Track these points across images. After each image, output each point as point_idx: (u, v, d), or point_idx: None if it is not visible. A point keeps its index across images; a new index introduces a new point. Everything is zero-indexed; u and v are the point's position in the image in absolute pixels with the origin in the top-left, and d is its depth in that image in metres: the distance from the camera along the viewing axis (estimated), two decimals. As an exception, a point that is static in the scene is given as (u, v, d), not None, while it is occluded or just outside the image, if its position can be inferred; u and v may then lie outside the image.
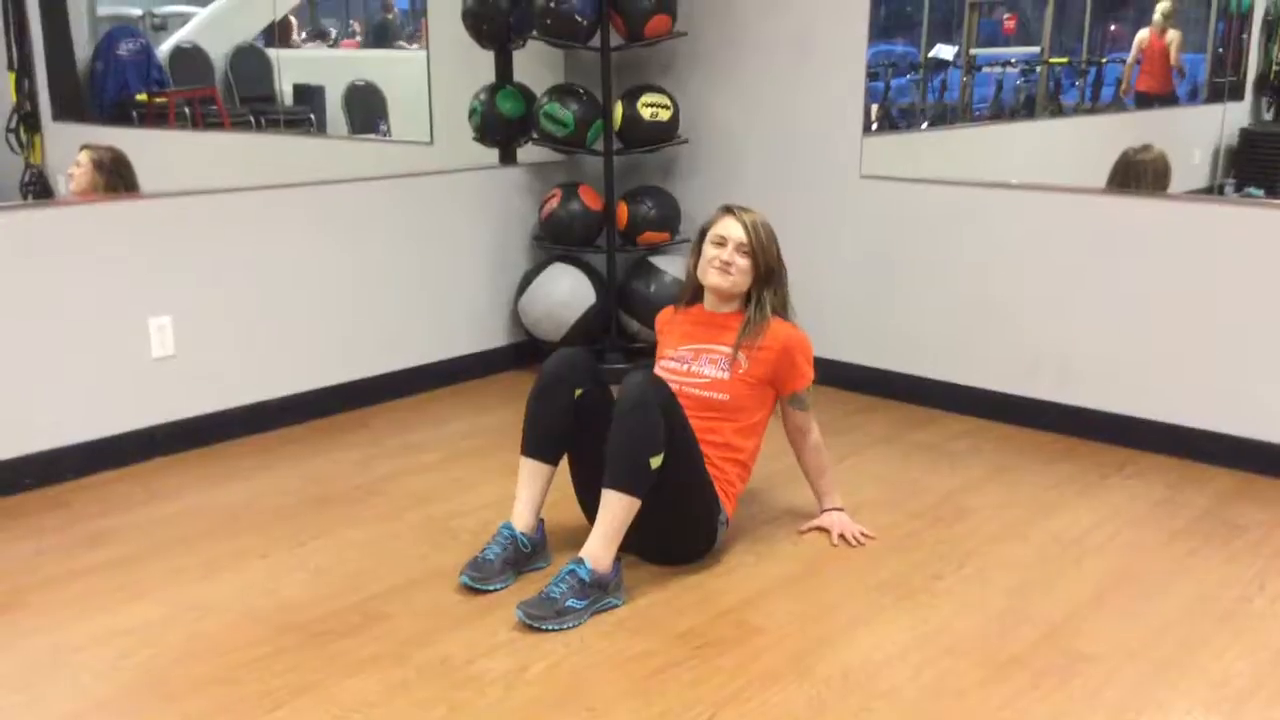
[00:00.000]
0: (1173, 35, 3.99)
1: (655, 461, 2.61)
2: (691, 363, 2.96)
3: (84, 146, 4.06)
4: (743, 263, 2.92)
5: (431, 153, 4.73)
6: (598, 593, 2.62)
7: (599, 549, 2.63)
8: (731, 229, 2.93)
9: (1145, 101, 4.23)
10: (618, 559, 2.68)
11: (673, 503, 2.74)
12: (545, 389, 2.83)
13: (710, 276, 2.94)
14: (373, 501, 3.34)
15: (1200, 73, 4.19)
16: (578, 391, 2.81)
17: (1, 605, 2.72)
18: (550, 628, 2.55)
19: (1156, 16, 4.06)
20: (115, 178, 3.99)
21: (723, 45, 4.50)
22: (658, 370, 2.99)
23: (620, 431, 2.62)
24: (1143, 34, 4.12)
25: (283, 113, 5.06)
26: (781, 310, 2.97)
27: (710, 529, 2.88)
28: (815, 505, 3.16)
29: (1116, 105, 4.35)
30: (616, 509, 2.62)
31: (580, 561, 2.62)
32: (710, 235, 2.96)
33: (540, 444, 2.83)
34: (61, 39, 4.41)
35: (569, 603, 2.58)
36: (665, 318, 3.17)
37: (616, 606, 2.67)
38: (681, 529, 2.86)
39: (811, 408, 3.02)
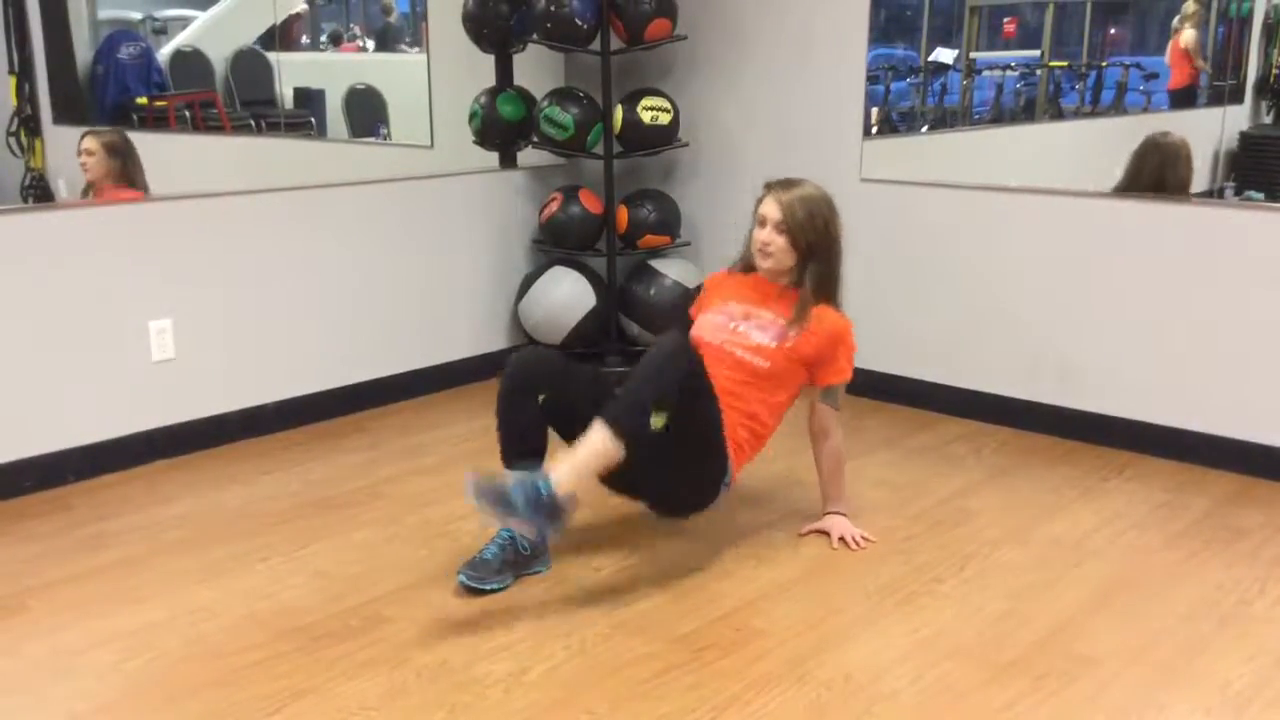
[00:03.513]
0: (1188, 36, 4.01)
1: (658, 420, 2.55)
2: (741, 322, 2.94)
3: (88, 133, 4.04)
4: (780, 241, 2.90)
5: (432, 156, 4.73)
6: (542, 516, 2.45)
7: (563, 475, 2.48)
8: (769, 208, 2.91)
9: (1174, 101, 4.23)
10: (575, 498, 2.51)
11: (685, 456, 2.69)
12: (509, 403, 2.80)
13: (756, 258, 2.95)
14: (373, 505, 3.34)
15: (1200, 75, 4.19)
16: (541, 396, 2.79)
17: (2, 608, 2.72)
18: (499, 512, 2.43)
19: (1177, 18, 4.09)
20: (128, 160, 3.99)
21: (723, 49, 4.51)
22: (701, 322, 2.94)
23: (637, 375, 2.56)
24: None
25: (283, 116, 5.06)
26: (830, 289, 2.93)
27: (713, 488, 2.85)
28: (817, 509, 3.16)
29: (1116, 109, 4.35)
30: (594, 443, 2.49)
31: (544, 475, 2.48)
32: (755, 215, 2.95)
33: (517, 455, 2.80)
34: (62, 43, 4.40)
35: (518, 503, 2.42)
36: (718, 278, 3.15)
37: (550, 538, 2.64)
38: (688, 480, 2.79)
39: (840, 407, 3.02)
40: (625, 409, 2.54)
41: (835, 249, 2.95)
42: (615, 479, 2.69)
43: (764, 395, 2.90)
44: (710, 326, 2.97)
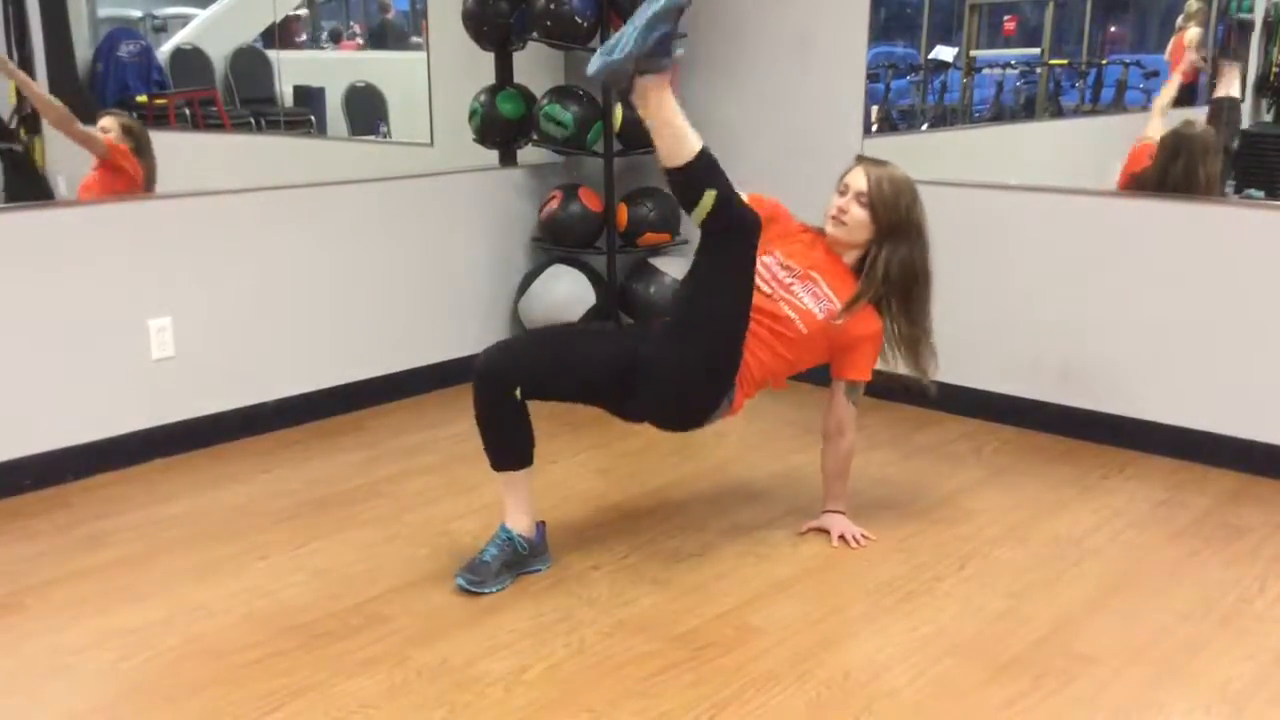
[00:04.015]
0: (1191, 34, 4.00)
1: (707, 198, 2.52)
2: (798, 282, 2.89)
3: (108, 113, 4.10)
4: (859, 213, 2.87)
5: (431, 154, 4.73)
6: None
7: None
8: (855, 178, 2.89)
9: (1175, 99, 4.22)
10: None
11: (694, 352, 2.67)
12: (485, 407, 2.74)
13: (827, 224, 2.92)
14: (373, 503, 3.34)
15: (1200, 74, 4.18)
16: (516, 391, 2.69)
17: (1, 606, 2.72)
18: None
19: (1181, 16, 4.09)
20: (144, 142, 4.03)
21: (723, 46, 4.50)
22: (759, 259, 2.79)
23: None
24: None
25: (283, 114, 5.05)
26: (905, 278, 2.86)
27: (714, 396, 2.76)
28: (816, 507, 3.16)
29: (1116, 107, 4.35)
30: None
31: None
32: (837, 184, 2.93)
33: (505, 456, 2.79)
34: (62, 41, 4.40)
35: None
36: (782, 213, 3.04)
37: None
38: (692, 373, 2.72)
39: (859, 405, 3.01)
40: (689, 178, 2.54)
41: (918, 236, 2.89)
42: (619, 403, 2.73)
43: (788, 353, 2.86)
44: (766, 273, 2.88)
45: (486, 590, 2.73)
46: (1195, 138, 3.75)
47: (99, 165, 3.95)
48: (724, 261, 2.65)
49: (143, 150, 4.02)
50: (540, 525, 2.86)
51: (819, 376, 4.49)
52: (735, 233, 2.62)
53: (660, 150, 2.56)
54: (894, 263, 2.87)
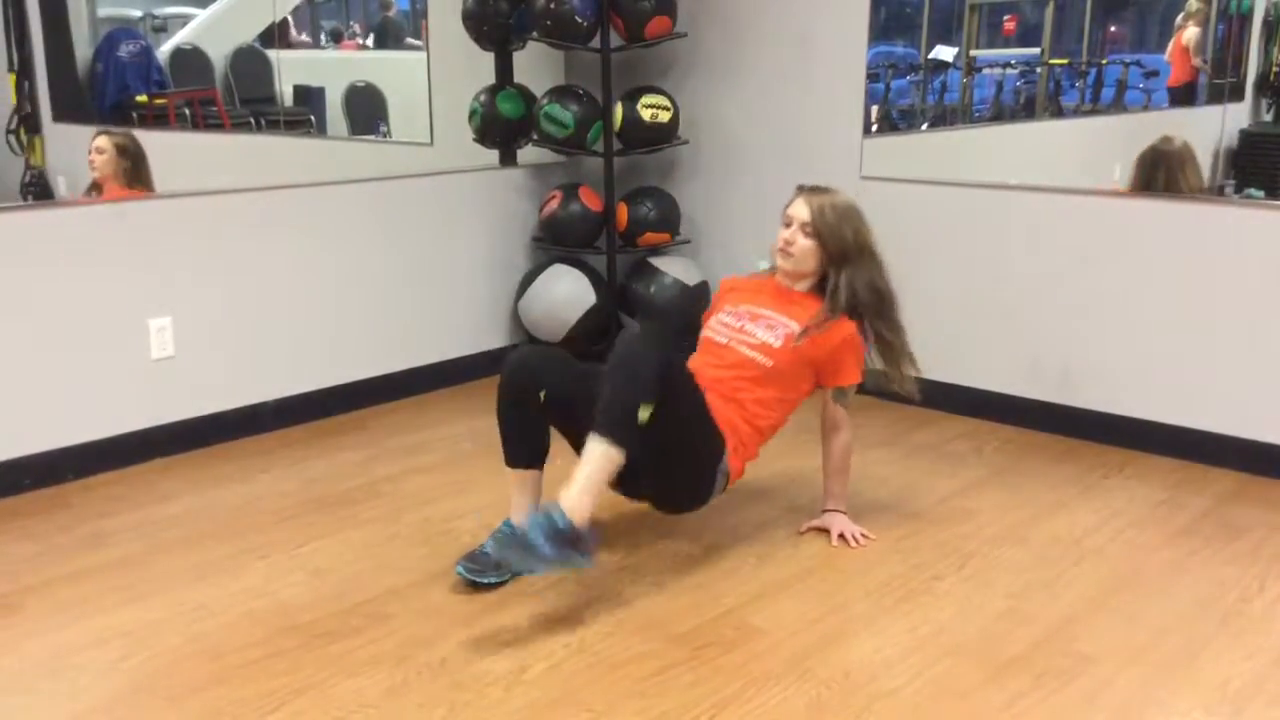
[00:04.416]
0: (1190, 33, 4.00)
1: (643, 413, 2.51)
2: (748, 322, 2.94)
3: (102, 132, 4.06)
4: (804, 243, 2.90)
5: (431, 154, 4.72)
6: (568, 549, 2.45)
7: (575, 499, 2.47)
8: (797, 209, 2.93)
9: (1174, 98, 4.23)
10: (594, 525, 2.56)
11: (671, 448, 2.68)
12: (509, 404, 2.79)
13: (776, 258, 2.96)
14: (372, 503, 3.34)
15: (1200, 73, 4.19)
16: (542, 394, 2.75)
17: (1, 606, 2.72)
18: (515, 571, 2.55)
19: (1180, 15, 4.10)
20: (138, 163, 4.00)
21: (723, 46, 4.50)
22: (710, 324, 2.97)
23: (614, 378, 2.55)
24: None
25: (283, 114, 5.05)
26: (873, 298, 2.90)
27: (707, 479, 2.82)
28: (817, 507, 3.16)
29: (1116, 106, 4.35)
30: (596, 457, 2.50)
31: (556, 506, 2.47)
32: (782, 217, 2.96)
33: (520, 455, 2.81)
34: (62, 41, 4.40)
35: (540, 544, 2.41)
36: (732, 281, 3.17)
37: (585, 567, 2.58)
38: (683, 472, 2.78)
39: (850, 406, 3.02)
40: (614, 418, 2.52)
41: (870, 257, 2.93)
42: (616, 480, 2.68)
43: (766, 393, 2.90)
44: (718, 325, 2.99)
45: (485, 580, 2.73)
46: (1172, 152, 3.79)
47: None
48: (674, 414, 2.63)
49: (139, 169, 3.99)
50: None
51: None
52: (673, 387, 2.62)
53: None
54: (860, 287, 2.91)
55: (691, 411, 2.71)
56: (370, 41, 5.89)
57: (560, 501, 2.48)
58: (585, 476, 2.51)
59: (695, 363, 2.93)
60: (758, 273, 3.13)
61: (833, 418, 3.04)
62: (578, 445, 2.75)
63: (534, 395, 2.77)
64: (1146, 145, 3.81)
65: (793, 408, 3.00)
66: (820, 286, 2.97)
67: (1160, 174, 3.78)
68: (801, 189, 2.97)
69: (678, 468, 2.77)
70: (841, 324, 2.91)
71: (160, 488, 3.46)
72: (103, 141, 4.01)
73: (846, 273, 2.91)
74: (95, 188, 3.98)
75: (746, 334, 2.93)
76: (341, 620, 2.63)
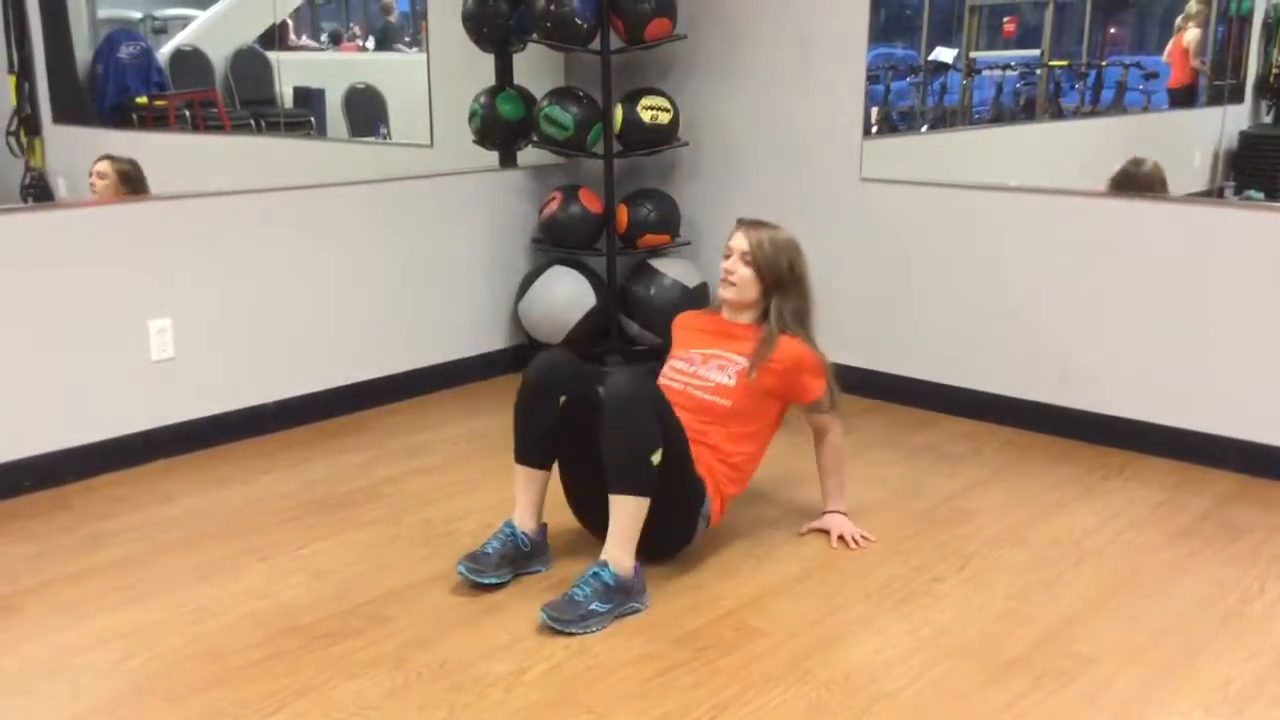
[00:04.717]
0: (1190, 35, 4.01)
1: (656, 457, 2.59)
2: (700, 366, 2.99)
3: (105, 157, 4.04)
4: (745, 272, 2.96)
5: (431, 156, 4.73)
6: (621, 597, 2.62)
7: (618, 553, 2.63)
8: (737, 240, 3.00)
9: (1174, 100, 4.24)
10: (638, 564, 2.67)
11: (662, 492, 2.68)
12: (530, 400, 2.83)
13: (720, 289, 3.03)
14: (373, 504, 3.34)
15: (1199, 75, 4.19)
16: (562, 398, 2.80)
17: (1, 607, 2.72)
18: (574, 631, 2.55)
19: (1180, 17, 4.10)
20: (139, 188, 3.99)
21: (723, 48, 4.51)
22: (665, 370, 3.03)
23: (617, 434, 2.60)
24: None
25: (283, 115, 5.06)
26: (797, 325, 2.97)
27: (690, 526, 2.86)
28: (816, 509, 3.16)
29: (1116, 108, 4.35)
30: (629, 510, 2.62)
31: (604, 565, 2.62)
32: (724, 250, 3.03)
33: (531, 452, 2.83)
34: (62, 42, 4.40)
35: (593, 606, 2.57)
36: (683, 320, 3.22)
37: (639, 611, 2.66)
38: (660, 521, 2.76)
39: (833, 411, 3.02)
40: (630, 472, 2.60)
41: (803, 288, 3.01)
42: (596, 525, 2.75)
43: (733, 431, 2.93)
44: (673, 373, 3.03)
45: (485, 580, 2.74)
46: (1141, 176, 3.82)
47: None
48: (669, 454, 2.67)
49: (139, 194, 3.97)
50: (543, 527, 2.87)
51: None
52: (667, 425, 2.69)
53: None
54: (787, 312, 2.98)
55: (680, 449, 2.75)
56: (370, 43, 5.89)
57: (604, 557, 2.63)
58: (620, 532, 2.63)
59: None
60: (706, 309, 3.22)
61: (816, 426, 3.08)
62: (576, 461, 2.81)
63: (555, 398, 2.80)
64: (1118, 168, 3.85)
65: (767, 437, 3.02)
66: (765, 317, 3.01)
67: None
68: (741, 222, 3.03)
69: (666, 511, 2.76)
70: (783, 346, 2.93)
71: (161, 489, 3.46)
72: (104, 166, 4.01)
73: (777, 298, 2.97)
74: None
75: (700, 378, 2.96)
76: (342, 621, 2.63)
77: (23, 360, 3.36)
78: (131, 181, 3.99)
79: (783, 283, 2.97)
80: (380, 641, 2.54)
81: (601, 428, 2.62)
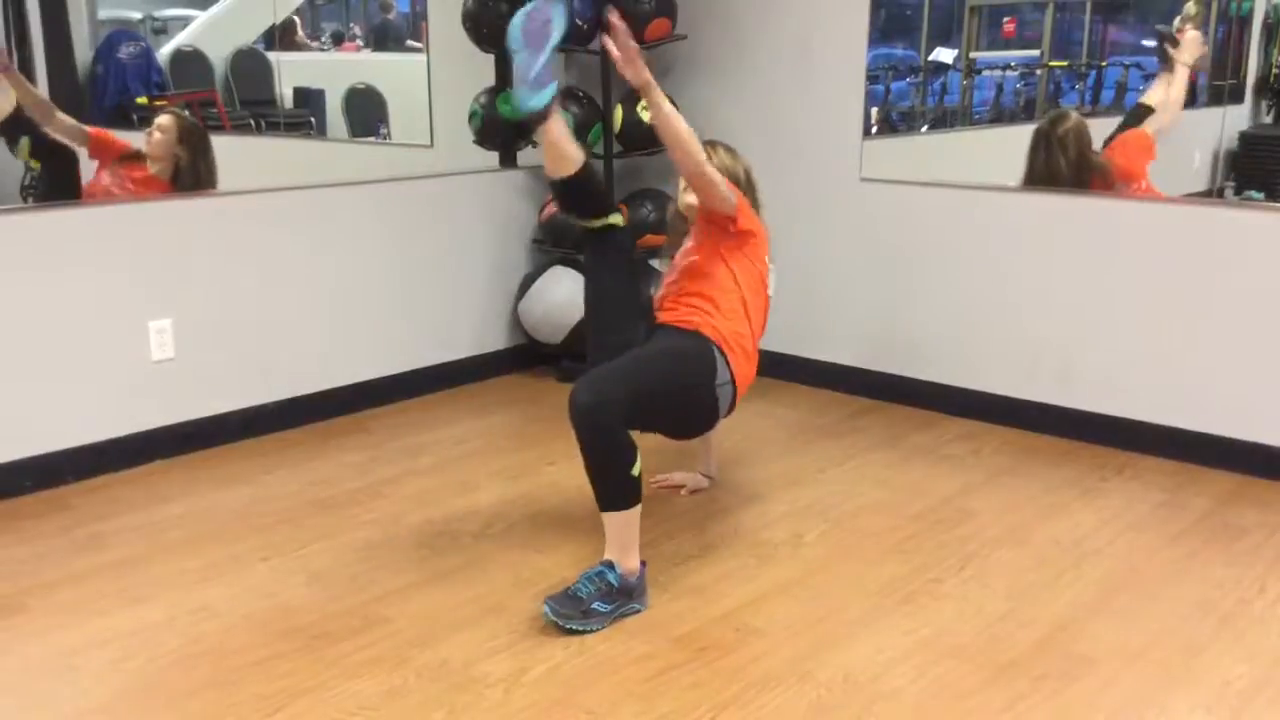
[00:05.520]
0: (1190, 37, 4.01)
1: (636, 469, 2.60)
2: (678, 260, 3.12)
3: (167, 111, 3.92)
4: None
5: (432, 156, 4.72)
6: (623, 599, 2.62)
7: (623, 555, 2.64)
8: None
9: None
10: (643, 563, 2.68)
11: (662, 407, 2.78)
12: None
13: (680, 195, 3.20)
14: (373, 505, 3.34)
15: (1199, 75, 4.19)
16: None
17: (1, 608, 2.72)
18: (575, 627, 2.55)
19: (1178, 19, 4.10)
20: (196, 158, 3.88)
21: (723, 48, 4.51)
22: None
23: (591, 458, 2.59)
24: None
25: (283, 116, 5.05)
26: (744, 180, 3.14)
27: (710, 403, 2.87)
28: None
29: (1116, 108, 4.35)
30: (622, 522, 2.64)
31: (610, 565, 2.62)
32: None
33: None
34: (61, 42, 4.40)
35: (595, 605, 2.58)
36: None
37: (639, 611, 2.66)
38: (679, 414, 2.88)
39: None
40: (614, 493, 2.62)
41: (754, 195, 3.16)
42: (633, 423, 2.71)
43: (708, 280, 2.98)
44: (665, 285, 3.12)
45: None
46: (1064, 134, 3.85)
47: (125, 167, 3.87)
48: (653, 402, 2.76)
49: (195, 167, 3.87)
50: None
51: (816, 377, 4.50)
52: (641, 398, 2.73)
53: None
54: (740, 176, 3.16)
55: (668, 379, 2.79)
56: (370, 44, 5.89)
57: (609, 556, 2.64)
58: (618, 540, 2.65)
59: (663, 313, 3.03)
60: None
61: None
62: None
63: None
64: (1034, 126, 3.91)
65: (753, 276, 3.00)
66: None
67: (1039, 156, 3.88)
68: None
69: (676, 410, 2.86)
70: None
71: (161, 489, 3.46)
72: (167, 121, 3.89)
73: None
74: (130, 158, 3.87)
75: (677, 264, 3.09)
76: (342, 622, 2.63)
77: (23, 360, 3.36)
78: (191, 146, 3.87)
79: (739, 186, 3.07)
80: (380, 642, 2.54)
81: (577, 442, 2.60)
